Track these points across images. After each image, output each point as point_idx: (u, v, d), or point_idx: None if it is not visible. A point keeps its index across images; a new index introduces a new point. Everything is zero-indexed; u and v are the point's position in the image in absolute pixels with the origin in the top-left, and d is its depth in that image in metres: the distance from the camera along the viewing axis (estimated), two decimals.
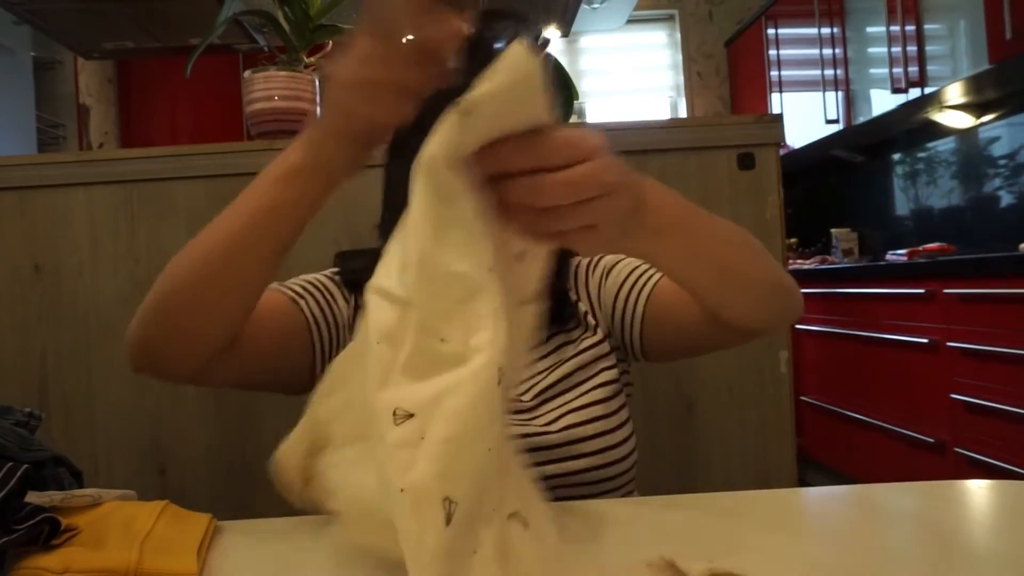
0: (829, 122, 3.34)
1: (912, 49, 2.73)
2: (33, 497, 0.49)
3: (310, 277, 0.84)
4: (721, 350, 0.82)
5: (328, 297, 0.81)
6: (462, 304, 0.41)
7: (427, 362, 0.41)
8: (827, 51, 3.36)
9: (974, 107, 2.85)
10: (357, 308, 0.82)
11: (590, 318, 0.83)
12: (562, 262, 0.85)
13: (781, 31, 3.82)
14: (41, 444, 0.59)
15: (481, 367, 0.39)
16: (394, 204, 0.83)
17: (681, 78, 4.55)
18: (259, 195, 0.59)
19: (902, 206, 3.41)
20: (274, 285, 0.79)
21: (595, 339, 0.81)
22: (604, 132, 0.44)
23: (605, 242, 0.46)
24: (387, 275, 0.44)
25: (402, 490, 0.38)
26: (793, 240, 3.84)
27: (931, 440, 2.31)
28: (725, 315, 0.66)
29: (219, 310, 0.63)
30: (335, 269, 0.87)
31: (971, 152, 2.96)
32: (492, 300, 0.41)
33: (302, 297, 0.79)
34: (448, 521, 0.38)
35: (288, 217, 0.59)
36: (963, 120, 2.93)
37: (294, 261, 1.34)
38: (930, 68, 2.68)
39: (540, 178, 0.42)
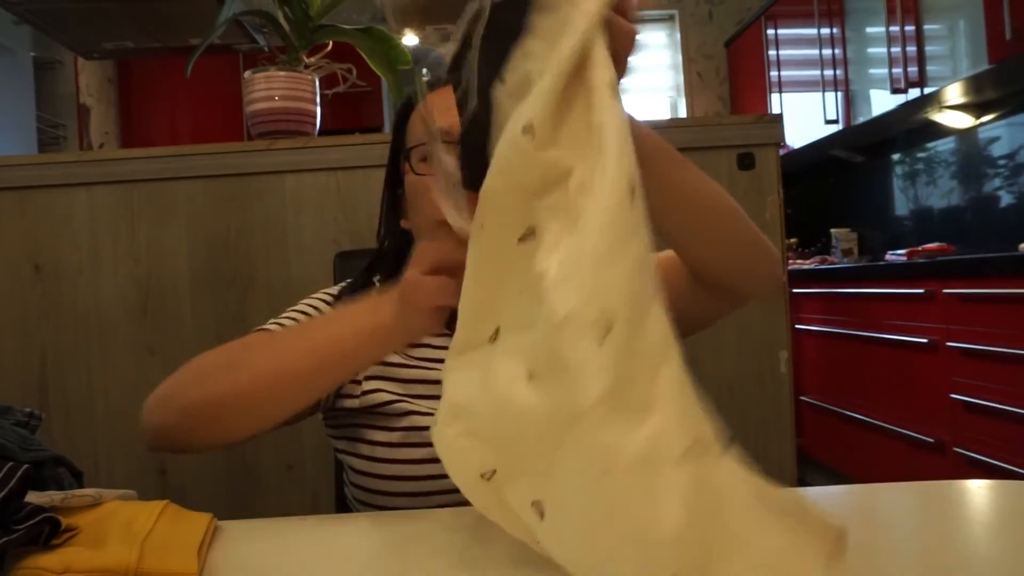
0: (829, 122, 3.34)
1: (912, 49, 2.73)
2: (33, 497, 0.49)
3: (309, 303, 0.81)
4: (704, 327, 0.79)
5: None
6: (596, 147, 0.41)
7: (574, 215, 0.41)
8: (827, 51, 3.36)
9: (974, 107, 2.85)
10: None
11: None
12: None
13: (781, 31, 3.82)
14: (41, 444, 0.59)
15: (608, 184, 0.39)
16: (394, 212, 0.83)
17: (681, 78, 4.55)
18: (337, 340, 0.62)
19: (902, 206, 3.41)
20: (269, 325, 0.76)
21: None
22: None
23: None
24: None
25: (557, 325, 0.39)
26: (793, 240, 3.84)
27: (931, 440, 2.31)
28: (703, 264, 0.67)
29: (262, 420, 0.65)
30: (342, 284, 0.85)
31: (971, 152, 2.96)
32: (612, 123, 0.40)
33: None
34: (605, 335, 0.38)
35: (357, 366, 0.65)
36: (963, 120, 2.93)
37: (295, 261, 1.34)
38: (930, 68, 2.68)
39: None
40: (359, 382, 0.77)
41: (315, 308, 0.80)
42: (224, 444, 0.69)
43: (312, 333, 0.65)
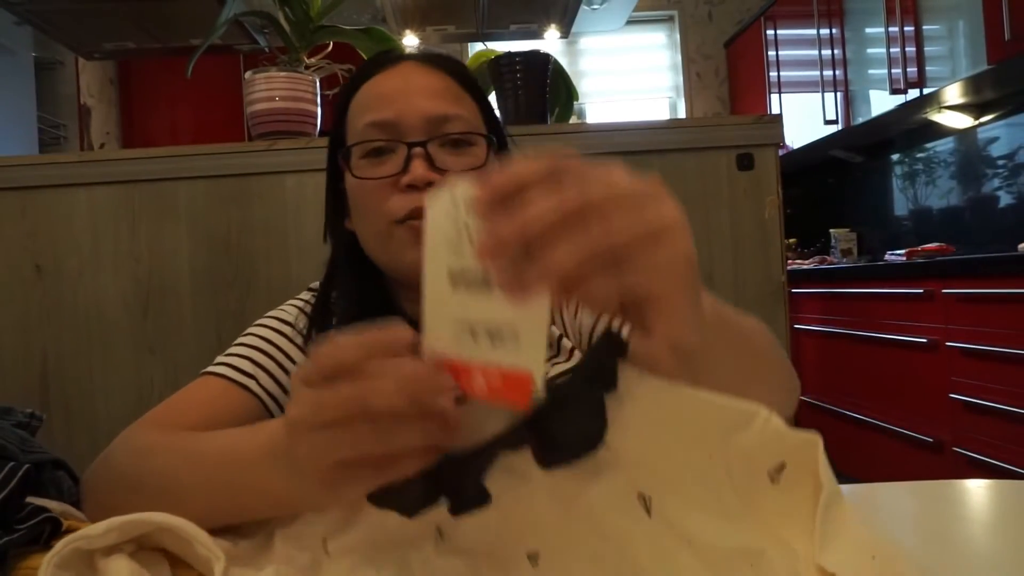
0: (828, 123, 3.35)
1: (911, 50, 2.73)
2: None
3: (262, 332, 0.75)
4: None
5: (281, 357, 0.73)
6: None
7: None
8: (826, 52, 3.36)
9: (973, 107, 2.85)
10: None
11: (565, 341, 0.76)
12: None
13: (780, 32, 3.82)
14: (41, 446, 0.59)
15: None
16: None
17: (680, 79, 4.55)
18: (237, 467, 0.49)
19: (901, 206, 3.42)
20: (219, 368, 0.70)
21: (569, 365, 0.73)
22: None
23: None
24: None
25: None
26: (792, 240, 3.84)
27: (930, 440, 2.31)
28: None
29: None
30: (301, 301, 0.80)
31: (970, 152, 2.96)
32: None
33: (252, 377, 0.70)
34: None
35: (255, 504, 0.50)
36: (962, 120, 2.93)
37: (295, 261, 1.34)
38: (929, 69, 2.69)
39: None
40: None
41: (271, 339, 0.74)
42: None
43: (220, 450, 0.51)
